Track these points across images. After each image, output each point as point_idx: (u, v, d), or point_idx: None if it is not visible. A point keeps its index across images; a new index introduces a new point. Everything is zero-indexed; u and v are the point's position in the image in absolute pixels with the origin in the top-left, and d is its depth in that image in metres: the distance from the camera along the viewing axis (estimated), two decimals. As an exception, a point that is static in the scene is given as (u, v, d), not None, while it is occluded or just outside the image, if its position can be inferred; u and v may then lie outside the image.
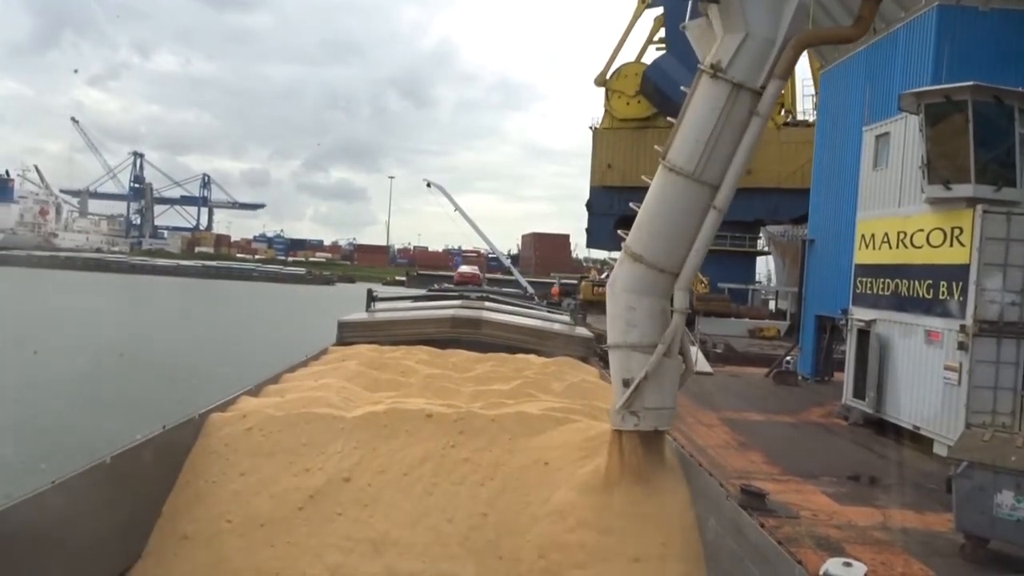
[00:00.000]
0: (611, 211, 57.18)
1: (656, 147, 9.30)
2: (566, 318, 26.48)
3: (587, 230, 60.01)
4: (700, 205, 8.96)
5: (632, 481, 8.92)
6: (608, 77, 56.31)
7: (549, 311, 29.89)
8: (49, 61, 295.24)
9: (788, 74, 9.01)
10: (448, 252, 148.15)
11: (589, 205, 58.57)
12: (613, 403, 9.33)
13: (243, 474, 9.43)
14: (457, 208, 56.16)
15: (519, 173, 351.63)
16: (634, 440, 9.10)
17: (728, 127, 8.81)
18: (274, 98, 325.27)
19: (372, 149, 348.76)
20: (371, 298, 24.71)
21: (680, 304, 9.14)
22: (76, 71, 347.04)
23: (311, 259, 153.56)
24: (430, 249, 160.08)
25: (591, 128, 57.79)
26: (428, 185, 56.06)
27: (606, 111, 56.93)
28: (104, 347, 33.46)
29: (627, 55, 57.28)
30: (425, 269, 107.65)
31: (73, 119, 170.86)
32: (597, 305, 50.18)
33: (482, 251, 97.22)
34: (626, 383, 9.03)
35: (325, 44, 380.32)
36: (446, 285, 47.12)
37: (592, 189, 58.00)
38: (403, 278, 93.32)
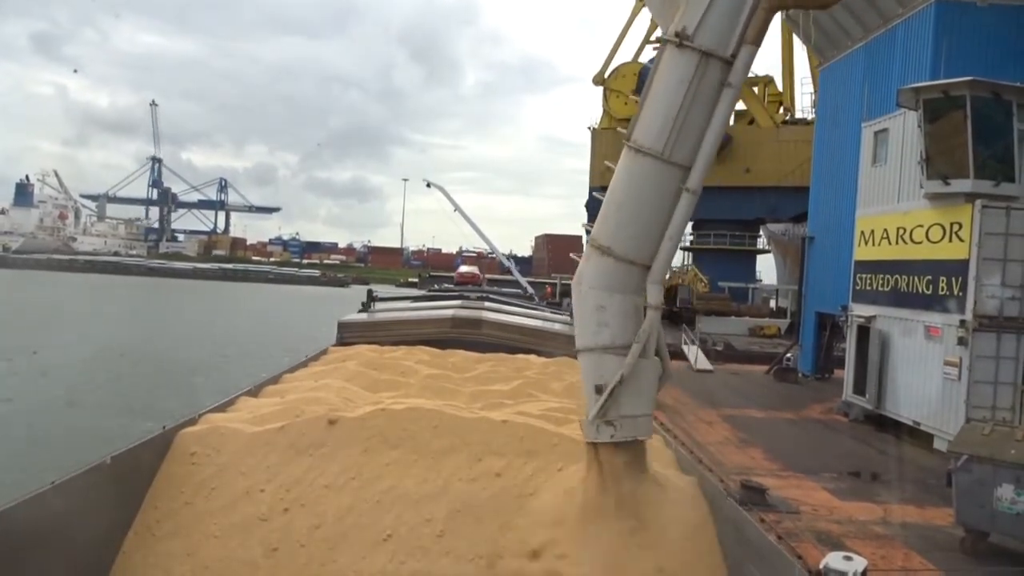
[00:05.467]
0: (610, 211, 57.11)
1: (619, 129, 8.64)
2: (566, 318, 26.48)
3: (586, 230, 60.07)
4: (671, 188, 8.15)
5: (617, 504, 8.05)
6: (606, 77, 56.30)
7: (550, 311, 29.87)
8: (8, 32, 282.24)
9: (760, 39, 8.09)
10: (461, 254, 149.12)
11: (588, 205, 58.57)
12: (586, 413, 8.39)
13: (244, 473, 9.41)
14: (457, 208, 56.12)
15: (539, 170, 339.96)
16: (612, 453, 8.19)
17: (698, 101, 8.02)
18: (270, 79, 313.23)
19: (383, 138, 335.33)
20: (371, 298, 24.73)
21: (654, 299, 8.25)
22: (76, 71, 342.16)
23: (325, 261, 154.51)
24: (444, 251, 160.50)
25: (589, 128, 57.85)
26: (428, 185, 56.07)
27: (604, 111, 56.88)
28: (107, 347, 33.51)
29: (625, 54, 57.38)
30: (438, 271, 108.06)
31: (152, 103, 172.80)
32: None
33: (484, 251, 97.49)
34: (599, 389, 8.12)
35: (322, 11, 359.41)
36: (446, 285, 47.15)
37: (591, 189, 57.95)
38: (415, 279, 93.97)
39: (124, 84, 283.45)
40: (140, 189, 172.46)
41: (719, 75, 8.04)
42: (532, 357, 18.64)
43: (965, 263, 13.14)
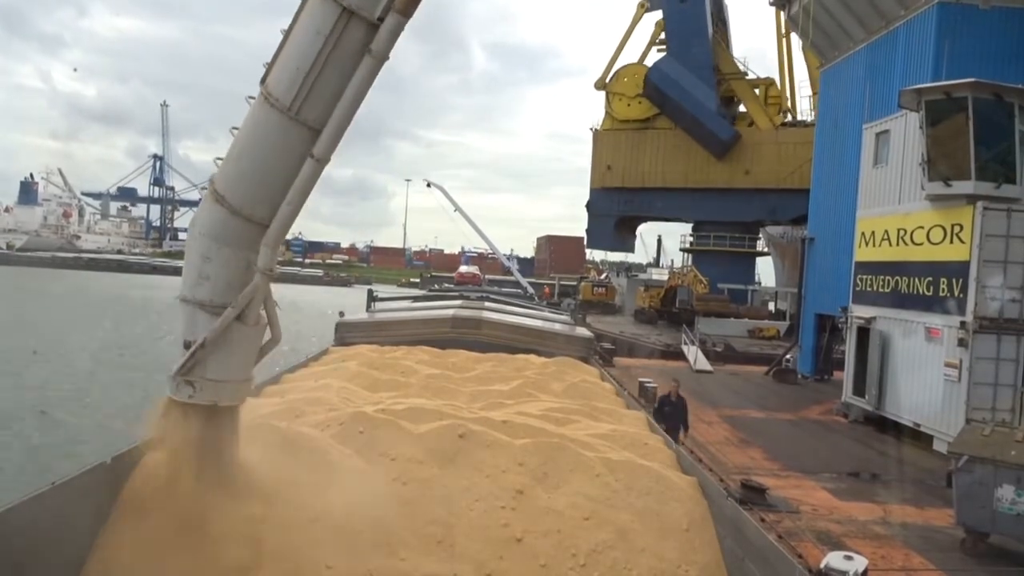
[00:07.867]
0: (611, 212, 57.26)
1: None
2: (566, 318, 26.50)
3: (587, 231, 60.12)
4: (297, 149, 7.35)
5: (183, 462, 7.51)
6: (608, 80, 56.41)
7: (550, 311, 29.86)
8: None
9: (410, 10, 7.34)
10: (463, 255, 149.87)
11: (589, 206, 58.67)
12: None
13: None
14: (457, 208, 56.35)
15: (543, 168, 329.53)
16: (193, 414, 7.48)
17: (335, 61, 7.19)
18: (259, 67, 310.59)
19: (384, 132, 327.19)
20: (371, 298, 24.75)
21: (264, 263, 7.47)
22: (75, 70, 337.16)
23: (328, 261, 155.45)
24: (446, 252, 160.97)
25: (591, 130, 57.98)
26: (428, 185, 56.40)
27: (606, 113, 56.99)
28: (106, 346, 33.47)
29: (627, 58, 57.46)
30: (440, 271, 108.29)
31: (163, 104, 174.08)
32: (597, 305, 50.45)
33: (486, 252, 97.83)
34: (187, 345, 7.42)
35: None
36: (446, 285, 47.19)
37: (592, 191, 58.03)
38: (416, 280, 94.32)
39: (109, 73, 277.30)
40: (141, 186, 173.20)
41: (362, 38, 7.21)
42: (532, 357, 18.61)
43: (966, 265, 13.14)
